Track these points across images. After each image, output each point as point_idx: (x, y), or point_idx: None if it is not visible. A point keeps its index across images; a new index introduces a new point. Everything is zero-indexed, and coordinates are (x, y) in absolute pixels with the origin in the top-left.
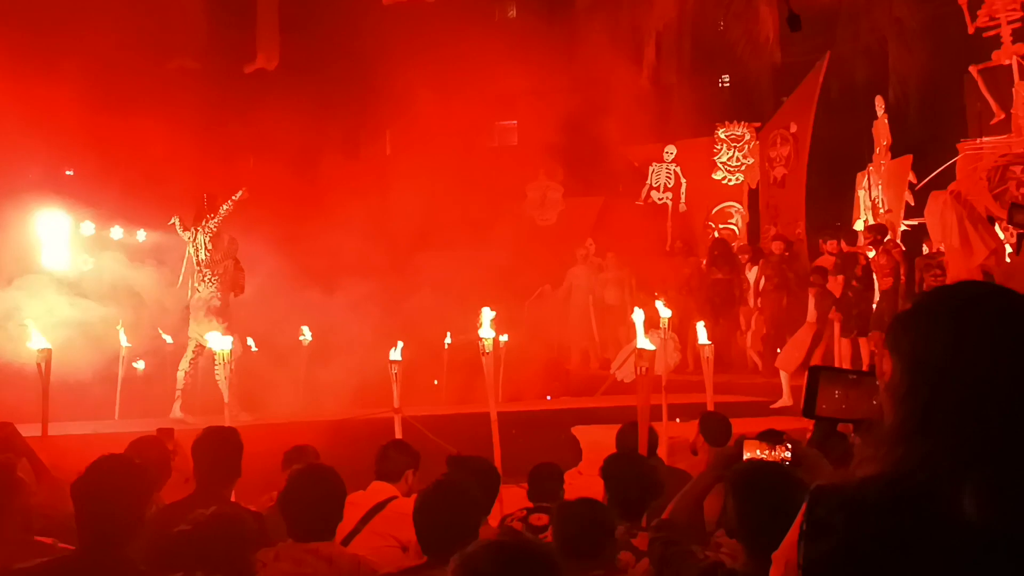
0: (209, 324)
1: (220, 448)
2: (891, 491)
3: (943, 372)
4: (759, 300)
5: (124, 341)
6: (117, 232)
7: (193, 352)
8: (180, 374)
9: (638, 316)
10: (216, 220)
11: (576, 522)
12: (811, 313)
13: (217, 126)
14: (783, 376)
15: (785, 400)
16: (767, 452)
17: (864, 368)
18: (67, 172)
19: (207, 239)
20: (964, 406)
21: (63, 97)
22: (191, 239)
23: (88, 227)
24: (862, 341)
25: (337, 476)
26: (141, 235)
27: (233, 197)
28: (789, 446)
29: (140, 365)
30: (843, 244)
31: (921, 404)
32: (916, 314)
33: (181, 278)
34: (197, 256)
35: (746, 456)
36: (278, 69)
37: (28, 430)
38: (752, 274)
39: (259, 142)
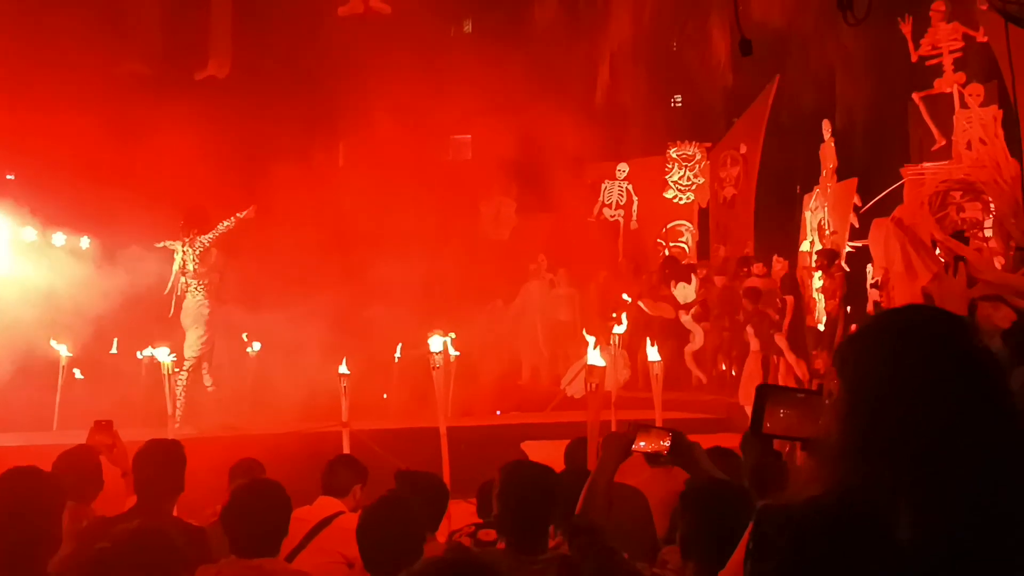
0: (191, 333)
1: (162, 462)
2: (832, 511)
3: (883, 394)
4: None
5: (64, 350)
6: (59, 238)
7: (206, 360)
8: (207, 386)
9: (590, 333)
10: (210, 236)
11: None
12: (753, 342)
13: (166, 132)
14: (749, 411)
15: None
16: (652, 442)
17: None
18: (8, 176)
19: (196, 252)
20: (901, 427)
21: (5, 99)
22: (179, 252)
23: (30, 232)
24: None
25: (282, 490)
26: (85, 242)
27: (238, 214)
28: (671, 435)
29: (79, 374)
30: (776, 265)
31: (862, 425)
32: (860, 337)
33: (169, 287)
34: (184, 267)
35: (635, 444)
36: (230, 77)
37: None
38: (683, 290)
39: (209, 150)
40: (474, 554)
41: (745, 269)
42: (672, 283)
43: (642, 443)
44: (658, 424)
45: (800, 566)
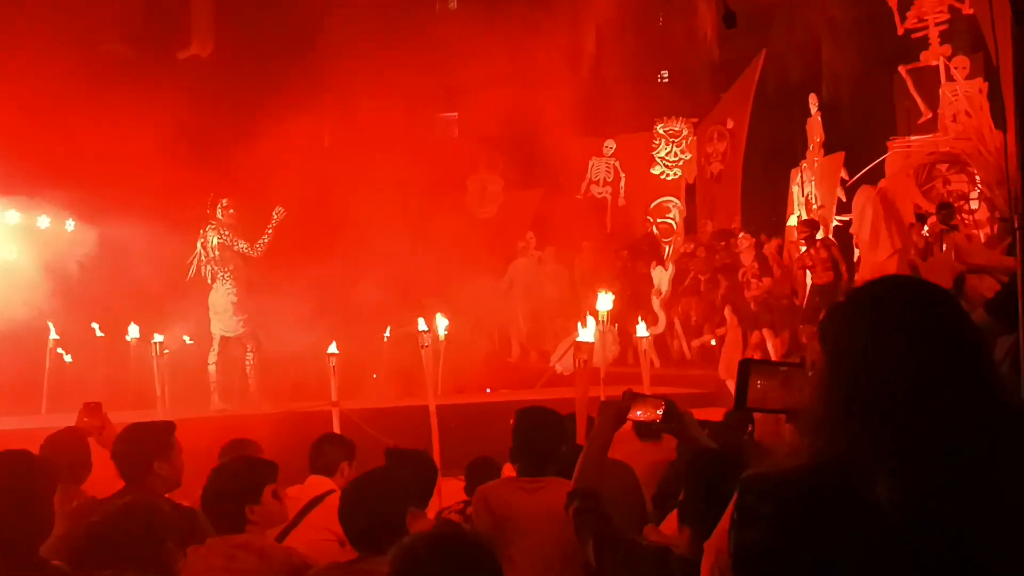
0: (229, 319)
1: (143, 444)
2: (814, 479)
3: (862, 362)
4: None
5: (53, 333)
6: (44, 221)
7: (218, 346)
8: (211, 368)
9: (582, 309)
10: (242, 243)
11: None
12: (730, 317)
13: (149, 113)
14: (731, 384)
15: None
16: (647, 411)
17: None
18: None
19: (217, 241)
20: (879, 395)
21: None
22: (201, 241)
23: (13, 215)
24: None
25: (261, 464)
26: (70, 225)
27: (272, 223)
28: (664, 404)
29: (67, 358)
30: (743, 243)
31: (842, 393)
32: (841, 308)
33: (192, 271)
34: (207, 254)
35: (631, 413)
36: (212, 56)
37: None
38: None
39: (193, 131)
40: (464, 529)
41: (723, 243)
42: (653, 264)
43: (638, 412)
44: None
45: (782, 533)
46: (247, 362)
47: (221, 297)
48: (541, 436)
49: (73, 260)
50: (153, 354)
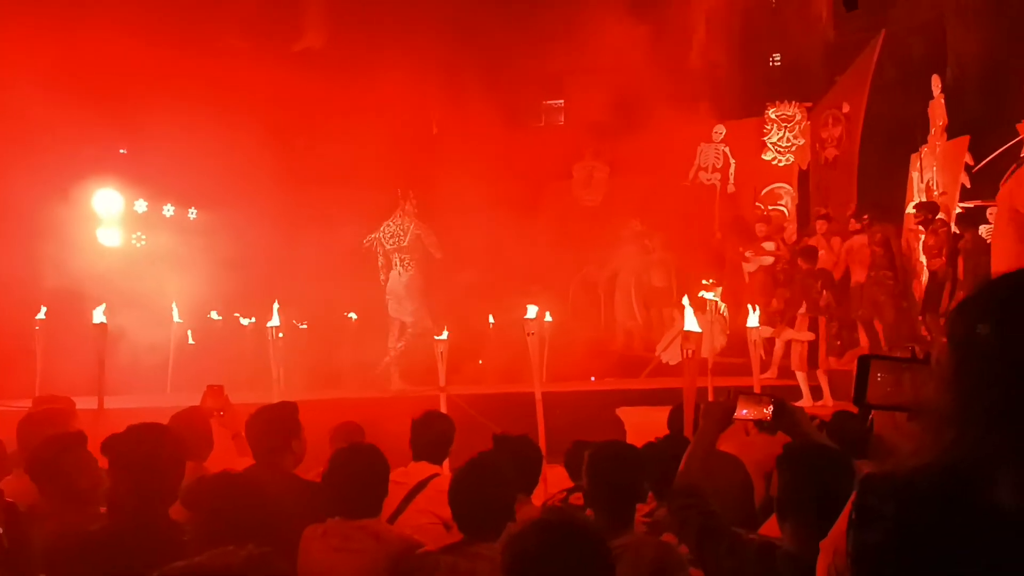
0: (409, 303)
1: (281, 423)
2: (938, 480)
3: (990, 359)
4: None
5: (176, 317)
6: (168, 210)
7: (398, 330)
8: (392, 351)
9: (688, 299)
10: (418, 231)
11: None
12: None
13: (265, 105)
14: (800, 376)
15: (805, 400)
16: (753, 409)
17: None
18: (120, 151)
19: (403, 232)
20: (1007, 394)
21: (116, 79)
22: (385, 231)
23: (141, 205)
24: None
25: (379, 454)
26: (192, 213)
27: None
28: (772, 402)
29: (190, 340)
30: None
31: (968, 391)
32: (972, 300)
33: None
34: (394, 243)
35: (738, 412)
36: (324, 48)
37: (85, 403)
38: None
39: (307, 123)
40: (573, 516)
41: (856, 224)
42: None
43: (744, 411)
44: (756, 391)
45: (905, 535)
46: (395, 346)
47: (401, 283)
48: (623, 485)
49: (193, 247)
50: (269, 338)
